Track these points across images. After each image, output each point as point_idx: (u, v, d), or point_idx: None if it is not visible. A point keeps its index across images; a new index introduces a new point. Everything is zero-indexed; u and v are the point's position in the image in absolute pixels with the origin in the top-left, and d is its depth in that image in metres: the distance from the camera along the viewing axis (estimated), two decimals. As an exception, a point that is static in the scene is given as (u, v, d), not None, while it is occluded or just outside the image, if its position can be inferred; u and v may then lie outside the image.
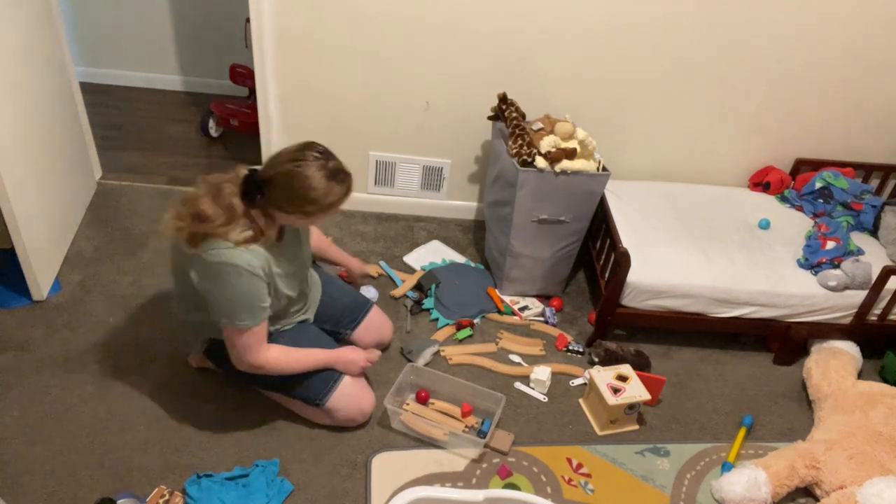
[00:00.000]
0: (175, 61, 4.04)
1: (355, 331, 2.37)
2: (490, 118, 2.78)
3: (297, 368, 2.02)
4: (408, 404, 2.29)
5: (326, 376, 2.09)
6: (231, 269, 1.78)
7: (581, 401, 2.42)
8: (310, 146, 1.81)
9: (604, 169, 2.57)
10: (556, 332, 2.69)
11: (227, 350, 1.93)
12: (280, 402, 2.23)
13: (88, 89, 3.73)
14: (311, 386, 2.08)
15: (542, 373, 2.41)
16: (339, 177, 1.81)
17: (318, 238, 2.40)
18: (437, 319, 2.65)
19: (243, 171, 1.85)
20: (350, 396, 2.12)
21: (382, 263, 2.91)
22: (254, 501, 1.92)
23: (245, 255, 1.79)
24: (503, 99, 2.67)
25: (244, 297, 1.82)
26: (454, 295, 2.73)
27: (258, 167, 1.85)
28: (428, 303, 2.70)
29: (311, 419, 2.19)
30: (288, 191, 1.78)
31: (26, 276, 2.44)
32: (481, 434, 2.19)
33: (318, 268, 2.41)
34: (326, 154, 1.81)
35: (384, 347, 2.47)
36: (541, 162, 2.46)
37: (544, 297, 2.85)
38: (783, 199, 3.01)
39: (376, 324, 2.41)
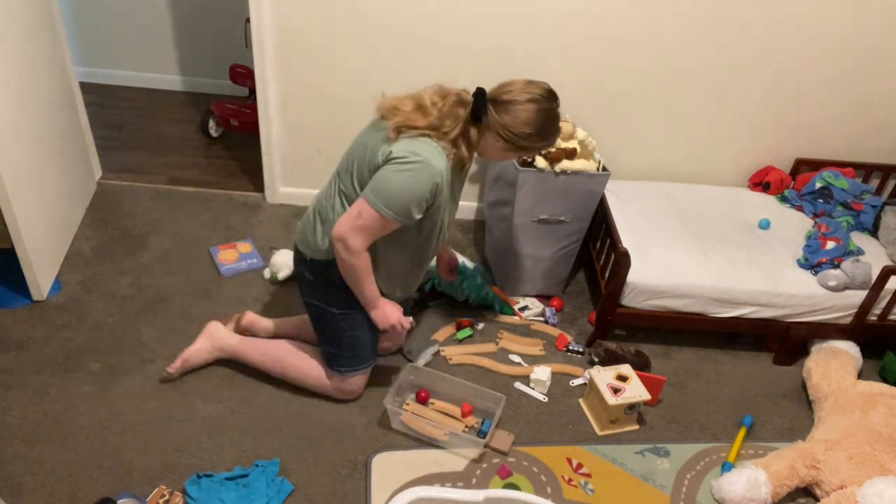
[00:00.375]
0: (175, 61, 4.04)
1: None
2: (490, 118, 2.78)
3: (358, 278, 1.97)
4: (408, 404, 2.29)
5: (365, 356, 2.19)
6: (424, 167, 1.81)
7: (581, 401, 2.42)
8: (545, 85, 1.91)
9: (604, 169, 2.57)
10: (556, 332, 2.69)
11: (343, 218, 1.88)
12: (280, 371, 2.25)
13: (88, 89, 3.73)
14: (348, 354, 2.15)
15: (542, 373, 2.41)
16: (555, 126, 1.95)
17: None
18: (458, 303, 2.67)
19: (465, 92, 1.92)
20: (362, 384, 2.24)
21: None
22: (254, 501, 1.92)
23: (443, 162, 1.84)
24: (503, 99, 2.67)
25: (412, 196, 1.83)
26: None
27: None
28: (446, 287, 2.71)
29: (304, 379, 2.23)
30: (514, 119, 1.86)
31: (26, 276, 2.44)
32: (481, 434, 2.19)
33: None
34: (555, 98, 1.93)
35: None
36: (541, 162, 2.46)
37: (544, 297, 2.85)
38: (783, 199, 3.01)
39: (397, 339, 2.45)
